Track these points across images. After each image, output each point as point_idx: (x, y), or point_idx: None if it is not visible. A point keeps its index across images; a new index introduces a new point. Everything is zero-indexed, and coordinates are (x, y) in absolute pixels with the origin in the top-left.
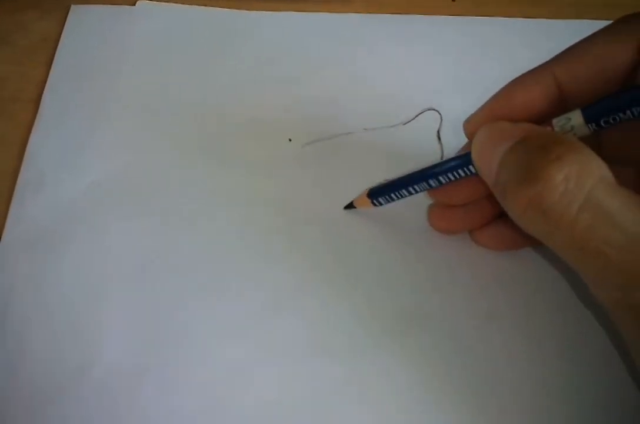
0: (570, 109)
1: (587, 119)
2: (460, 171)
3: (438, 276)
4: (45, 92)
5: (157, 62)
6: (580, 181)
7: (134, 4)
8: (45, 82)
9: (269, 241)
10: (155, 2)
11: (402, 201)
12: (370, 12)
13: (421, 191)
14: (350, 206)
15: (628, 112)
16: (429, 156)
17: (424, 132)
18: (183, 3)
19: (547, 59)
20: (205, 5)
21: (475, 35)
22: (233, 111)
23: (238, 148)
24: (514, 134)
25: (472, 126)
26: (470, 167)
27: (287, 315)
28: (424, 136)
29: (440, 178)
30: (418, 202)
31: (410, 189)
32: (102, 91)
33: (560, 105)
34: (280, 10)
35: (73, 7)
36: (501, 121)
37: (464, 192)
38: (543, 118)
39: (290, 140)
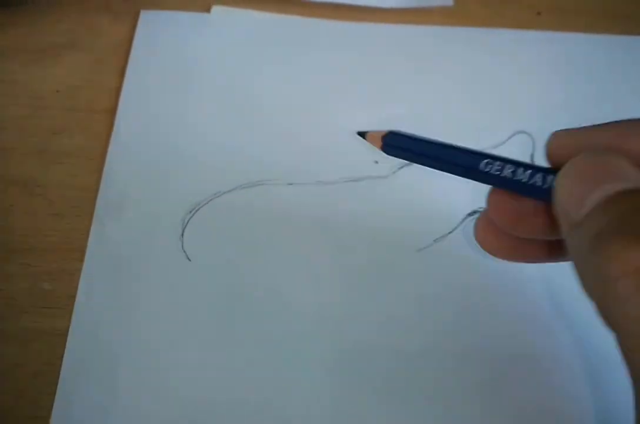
0: None
1: None
2: (519, 178)
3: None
4: (120, 104)
5: (235, 71)
6: None
7: (208, 11)
8: (118, 91)
9: (360, 269)
10: (230, 8)
11: None
12: (449, 25)
13: (446, 170)
14: (362, 134)
15: None
16: None
17: (515, 157)
18: (261, 10)
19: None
20: (285, 13)
21: (561, 52)
22: (314, 124)
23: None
24: (628, 176)
25: (561, 143)
26: (536, 179)
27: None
28: None
29: (486, 168)
30: None
31: (436, 160)
32: (177, 102)
33: None
34: (356, 21)
35: (143, 13)
36: (612, 151)
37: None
38: None
39: (376, 162)
